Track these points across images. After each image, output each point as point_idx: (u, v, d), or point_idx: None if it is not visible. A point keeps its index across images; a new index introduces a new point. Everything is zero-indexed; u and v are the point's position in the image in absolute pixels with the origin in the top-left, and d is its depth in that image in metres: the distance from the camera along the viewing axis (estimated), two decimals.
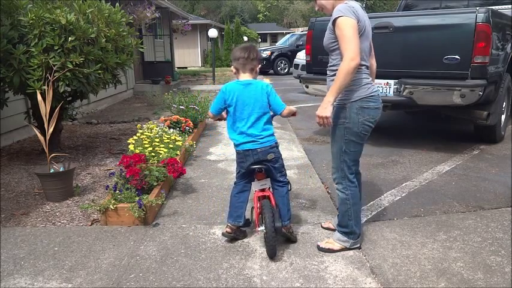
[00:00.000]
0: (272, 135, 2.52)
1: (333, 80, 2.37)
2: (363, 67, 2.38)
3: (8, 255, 2.53)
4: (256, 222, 2.55)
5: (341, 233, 2.55)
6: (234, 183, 2.65)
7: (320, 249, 2.57)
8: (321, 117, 2.28)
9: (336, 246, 2.55)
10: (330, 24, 2.35)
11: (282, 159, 2.57)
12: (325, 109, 2.25)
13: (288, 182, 2.61)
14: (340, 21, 2.23)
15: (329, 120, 2.28)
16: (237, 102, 2.47)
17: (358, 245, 2.57)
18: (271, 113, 2.54)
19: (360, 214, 2.58)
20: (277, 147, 2.53)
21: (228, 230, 2.62)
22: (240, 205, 2.59)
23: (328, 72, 2.49)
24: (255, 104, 2.46)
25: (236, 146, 2.52)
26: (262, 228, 2.45)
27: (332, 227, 2.78)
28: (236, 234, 2.65)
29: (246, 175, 2.57)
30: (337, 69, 2.34)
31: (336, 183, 2.54)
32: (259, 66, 2.57)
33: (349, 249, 2.54)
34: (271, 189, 2.57)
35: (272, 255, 2.42)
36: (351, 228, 2.51)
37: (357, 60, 2.19)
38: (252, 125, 2.46)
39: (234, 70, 2.55)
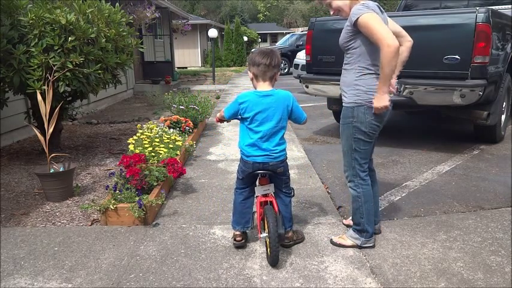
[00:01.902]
0: (285, 149, 2.41)
1: (346, 76, 2.45)
2: (375, 68, 2.37)
3: (8, 255, 2.53)
4: (258, 228, 2.47)
5: (354, 230, 2.58)
6: (236, 189, 2.55)
7: (332, 243, 2.61)
8: (380, 108, 2.32)
9: (348, 242, 2.57)
10: (347, 23, 2.36)
11: (288, 171, 2.50)
12: (383, 99, 2.30)
13: (292, 190, 2.56)
14: (362, 19, 2.23)
15: (388, 107, 2.33)
16: (254, 116, 2.32)
17: (371, 244, 2.56)
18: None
19: (373, 212, 2.56)
20: (286, 160, 2.45)
21: (239, 238, 2.55)
22: (247, 211, 2.54)
23: (342, 71, 2.51)
24: (273, 118, 2.32)
25: (245, 156, 2.40)
26: (264, 234, 2.36)
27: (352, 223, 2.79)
28: (245, 240, 2.60)
29: (248, 181, 2.49)
30: (350, 68, 2.41)
31: (348, 181, 2.56)
32: (279, 73, 2.40)
33: (361, 247, 2.54)
34: (273, 195, 2.50)
35: (274, 263, 2.33)
36: (362, 226, 2.52)
37: (394, 43, 2.14)
38: (268, 140, 2.34)
39: (251, 76, 2.38)
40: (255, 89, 2.39)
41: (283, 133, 2.41)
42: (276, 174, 2.41)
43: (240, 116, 2.40)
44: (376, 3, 2.37)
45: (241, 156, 2.44)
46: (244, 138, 2.41)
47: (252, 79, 2.40)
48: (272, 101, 2.33)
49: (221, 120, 2.55)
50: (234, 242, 2.57)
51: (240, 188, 2.53)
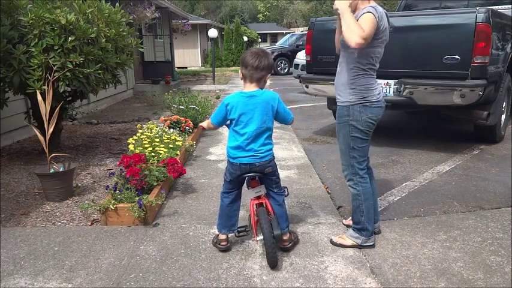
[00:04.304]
0: (271, 149, 2.39)
1: (341, 76, 2.46)
2: (371, 71, 2.41)
3: (8, 255, 2.53)
4: (254, 231, 2.45)
5: (354, 230, 2.58)
6: (223, 193, 2.51)
7: (332, 243, 2.60)
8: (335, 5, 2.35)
9: (348, 242, 2.57)
10: None
11: (277, 170, 2.46)
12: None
13: (285, 188, 2.52)
14: (365, 15, 2.26)
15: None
16: (239, 117, 2.30)
17: (372, 243, 2.55)
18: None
19: (373, 211, 2.56)
20: (274, 159, 2.42)
21: (224, 242, 2.52)
22: (234, 213, 2.51)
23: (338, 70, 2.52)
24: (258, 119, 2.30)
25: (231, 158, 2.37)
26: (260, 237, 2.34)
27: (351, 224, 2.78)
28: (230, 243, 2.57)
29: (236, 184, 2.45)
30: (347, 68, 2.42)
31: (347, 180, 2.56)
32: (269, 75, 2.36)
33: (361, 246, 2.54)
34: (266, 196, 2.47)
35: (273, 265, 2.31)
36: (362, 225, 2.52)
37: (360, 42, 2.16)
38: (253, 141, 2.31)
39: (241, 76, 2.37)
40: (243, 88, 2.39)
41: (270, 134, 2.38)
42: (265, 175, 2.39)
43: (228, 119, 2.37)
44: (385, 11, 2.39)
45: (227, 159, 2.42)
46: (230, 140, 2.40)
47: (241, 78, 2.39)
48: (256, 102, 2.31)
49: (207, 128, 2.52)
50: (219, 246, 2.53)
51: (227, 191, 2.50)
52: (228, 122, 2.41)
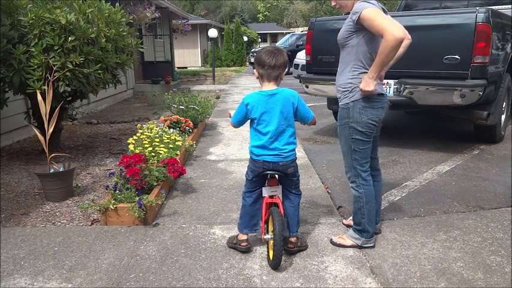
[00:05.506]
0: (294, 149, 2.39)
1: (341, 75, 2.44)
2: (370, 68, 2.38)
3: (8, 255, 2.53)
4: (261, 230, 2.44)
5: (354, 230, 2.57)
6: (245, 193, 2.49)
7: (332, 243, 2.60)
8: (365, 91, 2.31)
9: (348, 242, 2.57)
10: (348, 19, 2.35)
11: (298, 171, 2.46)
12: (369, 84, 2.28)
13: (301, 192, 2.52)
14: (365, 13, 2.21)
15: (374, 92, 2.32)
16: (260, 116, 2.32)
17: (372, 244, 2.55)
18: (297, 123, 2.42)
19: (374, 212, 2.55)
20: (296, 160, 2.42)
21: (245, 243, 2.48)
22: (256, 213, 2.49)
23: (338, 70, 2.50)
24: (280, 117, 2.31)
25: (255, 155, 2.37)
26: (268, 236, 2.34)
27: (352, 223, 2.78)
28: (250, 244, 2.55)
29: (258, 182, 2.44)
30: (345, 67, 2.41)
31: (350, 182, 2.55)
32: (285, 72, 2.37)
33: (361, 247, 2.53)
34: (280, 197, 2.45)
35: (276, 267, 2.29)
36: (363, 226, 2.52)
37: (399, 34, 2.10)
38: (276, 139, 2.32)
39: (257, 75, 2.38)
40: (261, 87, 2.39)
41: (292, 132, 2.38)
42: (287, 175, 2.38)
43: (249, 118, 2.39)
44: (382, 7, 2.38)
45: (250, 157, 2.42)
46: (253, 140, 2.40)
47: (257, 77, 2.41)
48: (277, 100, 2.32)
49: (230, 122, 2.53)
50: (239, 246, 2.50)
51: (249, 191, 2.48)
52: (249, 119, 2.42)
